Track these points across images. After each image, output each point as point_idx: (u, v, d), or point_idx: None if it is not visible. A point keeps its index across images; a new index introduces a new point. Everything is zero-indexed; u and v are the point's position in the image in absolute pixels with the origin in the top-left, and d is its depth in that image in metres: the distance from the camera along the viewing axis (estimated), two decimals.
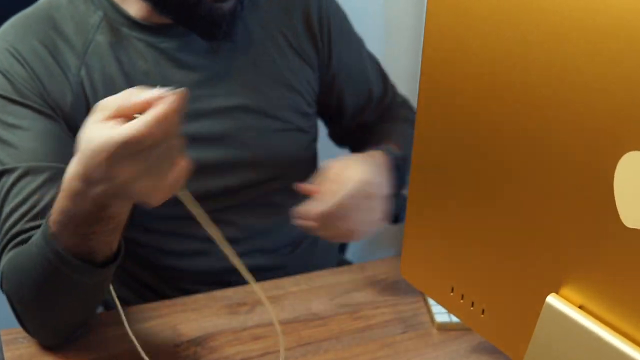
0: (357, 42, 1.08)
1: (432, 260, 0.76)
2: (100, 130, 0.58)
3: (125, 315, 0.83)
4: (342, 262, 1.16)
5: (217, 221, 0.69)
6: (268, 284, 0.93)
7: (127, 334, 0.76)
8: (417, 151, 0.72)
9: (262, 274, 0.98)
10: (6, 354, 0.78)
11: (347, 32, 1.06)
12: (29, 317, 0.77)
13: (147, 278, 0.99)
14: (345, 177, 0.86)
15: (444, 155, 0.69)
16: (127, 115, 0.58)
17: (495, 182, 0.63)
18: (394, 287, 0.94)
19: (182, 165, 0.61)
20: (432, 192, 0.72)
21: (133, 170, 0.58)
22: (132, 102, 0.58)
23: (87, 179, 0.61)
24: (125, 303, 0.92)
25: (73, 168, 0.63)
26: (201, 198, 0.67)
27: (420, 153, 0.72)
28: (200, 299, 0.90)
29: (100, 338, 0.81)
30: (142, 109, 0.57)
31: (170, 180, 0.60)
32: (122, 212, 0.67)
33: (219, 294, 0.91)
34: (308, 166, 1.02)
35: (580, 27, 0.52)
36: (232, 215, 0.96)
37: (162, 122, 0.56)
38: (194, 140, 0.86)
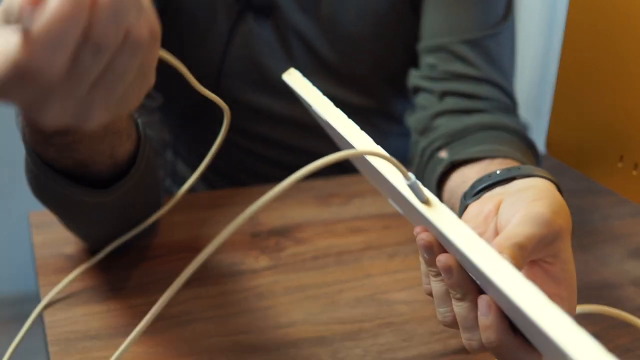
0: None
1: (588, 127, 0.57)
2: None
3: (193, 201, 0.69)
4: None
5: None
6: None
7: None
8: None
9: None
10: (35, 238, 0.64)
11: None
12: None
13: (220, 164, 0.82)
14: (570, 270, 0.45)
15: None
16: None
17: None
18: None
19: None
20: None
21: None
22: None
23: None
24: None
25: None
26: None
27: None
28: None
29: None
30: None
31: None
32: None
33: (304, 184, 0.74)
34: None
35: None
36: None
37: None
38: None
